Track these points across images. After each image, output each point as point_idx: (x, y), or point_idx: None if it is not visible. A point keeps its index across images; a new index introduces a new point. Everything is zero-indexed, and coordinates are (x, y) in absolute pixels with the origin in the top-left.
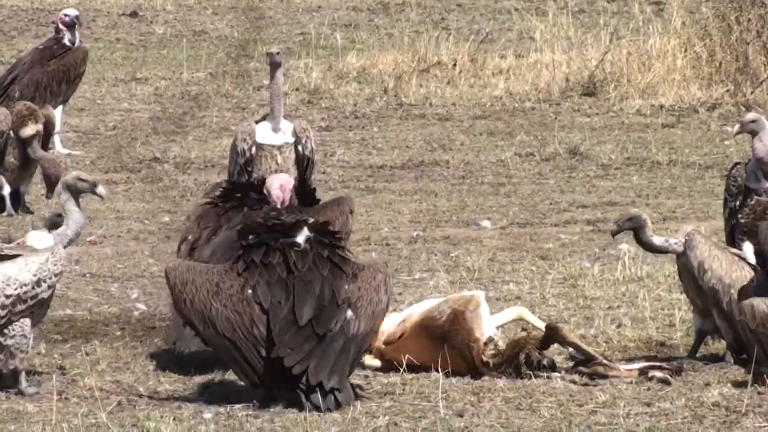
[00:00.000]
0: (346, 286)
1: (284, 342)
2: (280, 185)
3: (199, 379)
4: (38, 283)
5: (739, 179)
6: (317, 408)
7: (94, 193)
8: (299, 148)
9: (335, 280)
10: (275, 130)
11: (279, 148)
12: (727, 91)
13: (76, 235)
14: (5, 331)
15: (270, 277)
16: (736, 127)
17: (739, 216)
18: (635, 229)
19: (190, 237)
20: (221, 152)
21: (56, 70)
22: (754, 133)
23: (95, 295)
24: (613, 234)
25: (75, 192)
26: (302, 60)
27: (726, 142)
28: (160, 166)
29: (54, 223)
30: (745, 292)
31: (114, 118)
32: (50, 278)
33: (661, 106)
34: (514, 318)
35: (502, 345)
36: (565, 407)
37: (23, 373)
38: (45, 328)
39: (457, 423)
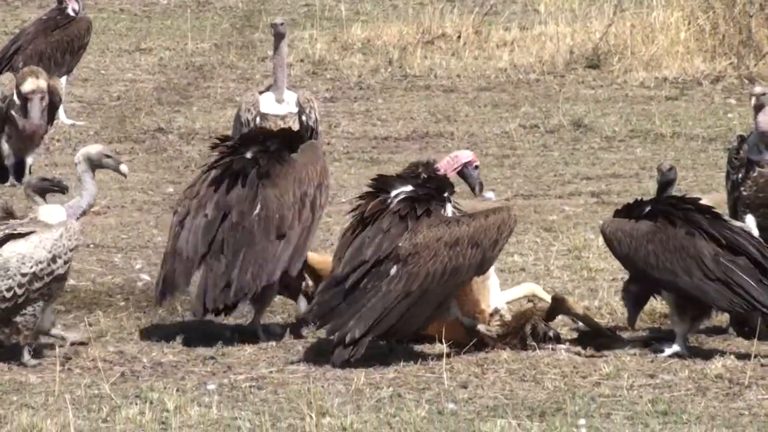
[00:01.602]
0: (400, 243)
1: (319, 297)
2: (455, 156)
3: (202, 351)
4: (54, 259)
5: (741, 152)
6: (334, 363)
7: (117, 170)
8: (303, 118)
9: (392, 234)
10: (279, 100)
11: (283, 118)
12: (731, 63)
13: (89, 207)
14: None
15: (347, 230)
16: (753, 100)
17: (742, 189)
18: (670, 182)
19: (179, 209)
20: (226, 123)
21: (60, 41)
22: (759, 107)
23: (99, 266)
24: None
25: (96, 166)
26: (307, 31)
27: (729, 115)
28: (165, 137)
29: (41, 188)
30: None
31: (118, 88)
32: (65, 254)
33: (665, 79)
34: (526, 294)
35: (507, 316)
36: (569, 379)
37: (26, 347)
38: None
39: (462, 394)
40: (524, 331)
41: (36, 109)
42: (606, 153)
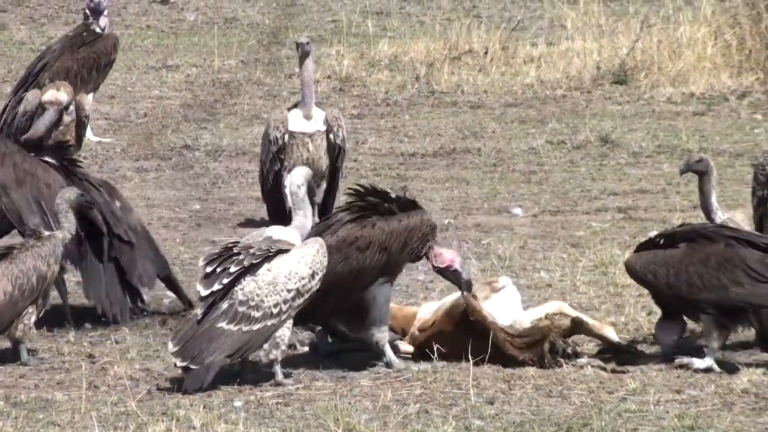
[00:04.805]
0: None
1: None
2: (439, 254)
3: (228, 368)
4: (313, 275)
5: (767, 168)
6: None
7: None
8: (331, 136)
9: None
10: (307, 117)
11: (311, 135)
12: (757, 79)
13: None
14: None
15: None
16: None
17: None
18: (702, 173)
19: None
20: (252, 140)
21: (86, 58)
22: None
23: None
24: (681, 172)
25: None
26: (334, 47)
27: (756, 130)
28: (191, 154)
29: (78, 203)
30: None
31: (145, 105)
32: (322, 270)
33: (692, 94)
34: (554, 312)
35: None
36: (595, 394)
37: (278, 365)
38: (75, 316)
39: (488, 410)
40: (542, 348)
41: (45, 118)
42: (633, 169)
